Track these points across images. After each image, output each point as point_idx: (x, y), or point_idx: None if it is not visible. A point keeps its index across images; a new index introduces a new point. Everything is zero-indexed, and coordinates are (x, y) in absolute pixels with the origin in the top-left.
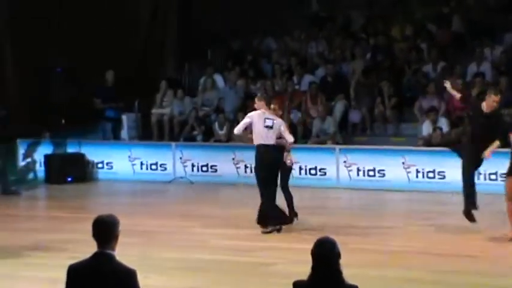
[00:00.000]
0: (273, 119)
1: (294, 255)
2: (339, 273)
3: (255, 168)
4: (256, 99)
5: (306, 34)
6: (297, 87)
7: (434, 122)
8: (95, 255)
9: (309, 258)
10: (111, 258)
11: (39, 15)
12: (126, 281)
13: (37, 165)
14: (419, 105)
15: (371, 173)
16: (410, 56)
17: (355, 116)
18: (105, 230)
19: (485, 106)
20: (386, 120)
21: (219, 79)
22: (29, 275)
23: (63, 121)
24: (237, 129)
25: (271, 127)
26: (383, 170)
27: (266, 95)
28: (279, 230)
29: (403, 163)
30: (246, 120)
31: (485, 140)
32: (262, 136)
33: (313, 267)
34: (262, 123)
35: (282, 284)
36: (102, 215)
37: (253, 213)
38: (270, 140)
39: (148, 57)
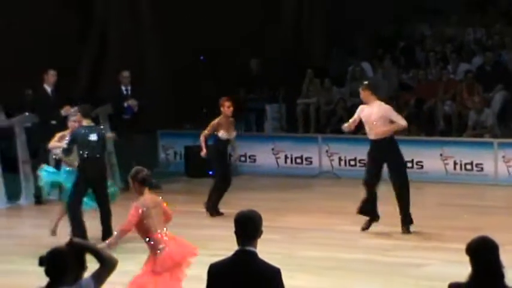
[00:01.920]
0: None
1: (446, 256)
2: (501, 277)
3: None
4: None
5: (463, 19)
6: (452, 76)
7: None
8: (237, 253)
9: (463, 259)
10: (254, 256)
11: (183, 2)
12: (270, 280)
13: (177, 158)
14: None
15: None
16: None
17: None
18: (249, 226)
19: None
20: None
21: (367, 67)
22: None
23: (204, 110)
24: (347, 127)
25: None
26: None
27: (368, 83)
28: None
29: None
30: (355, 117)
31: None
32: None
33: (474, 269)
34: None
35: (435, 287)
36: (244, 210)
37: None
38: (374, 135)
39: (294, 45)
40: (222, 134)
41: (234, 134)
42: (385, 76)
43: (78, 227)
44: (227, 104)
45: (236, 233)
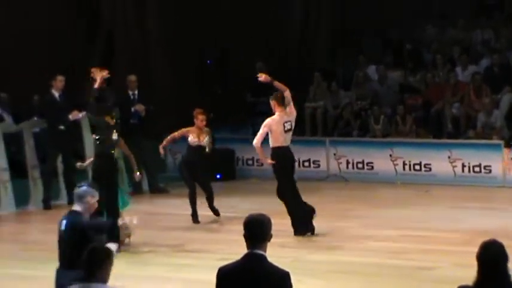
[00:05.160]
0: (291, 121)
1: (455, 259)
2: (508, 278)
3: (287, 169)
4: (270, 100)
5: (470, 22)
6: (459, 78)
7: None
8: (246, 256)
9: (472, 261)
10: (263, 259)
11: (189, 5)
12: (279, 283)
13: None
14: None
15: None
16: None
17: None
18: (258, 230)
19: None
20: None
21: (373, 71)
22: (178, 276)
23: (211, 115)
24: (257, 142)
25: (290, 130)
26: None
27: (277, 93)
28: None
29: None
30: (263, 131)
31: None
32: (284, 139)
33: (479, 272)
34: (282, 128)
35: None
36: (253, 214)
37: (412, 213)
38: (289, 141)
39: (301, 48)
40: (191, 139)
41: (206, 140)
42: (392, 79)
43: None
44: (200, 117)
45: (245, 236)
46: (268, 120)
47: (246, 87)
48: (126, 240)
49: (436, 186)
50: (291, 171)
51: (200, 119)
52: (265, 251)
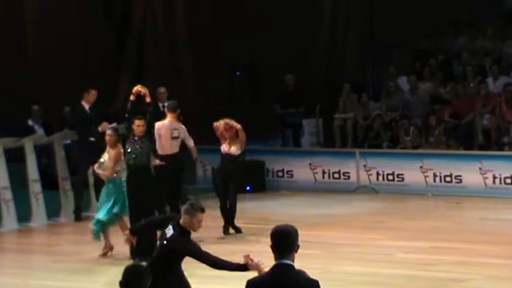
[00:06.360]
0: (179, 129)
1: (487, 271)
2: None
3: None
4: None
5: (500, 32)
6: (490, 89)
7: None
8: (275, 267)
9: (504, 273)
10: (292, 268)
11: (219, 17)
12: None
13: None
14: None
15: None
16: None
17: None
18: (286, 241)
19: None
20: None
21: (404, 82)
22: None
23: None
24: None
25: (178, 138)
26: None
27: (173, 102)
28: None
29: None
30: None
31: None
32: (170, 146)
33: None
34: (170, 134)
35: None
36: (281, 225)
37: (443, 225)
38: (175, 149)
39: (330, 59)
40: (222, 147)
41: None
42: (423, 90)
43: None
44: None
45: (273, 247)
46: (157, 124)
47: (275, 99)
48: None
49: (466, 197)
50: (174, 179)
51: None
52: (293, 261)
